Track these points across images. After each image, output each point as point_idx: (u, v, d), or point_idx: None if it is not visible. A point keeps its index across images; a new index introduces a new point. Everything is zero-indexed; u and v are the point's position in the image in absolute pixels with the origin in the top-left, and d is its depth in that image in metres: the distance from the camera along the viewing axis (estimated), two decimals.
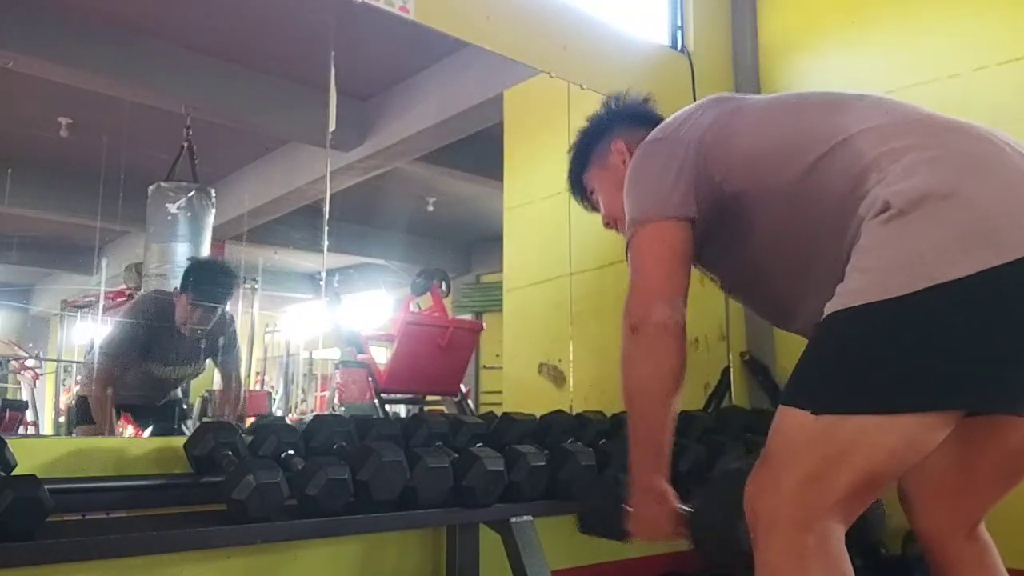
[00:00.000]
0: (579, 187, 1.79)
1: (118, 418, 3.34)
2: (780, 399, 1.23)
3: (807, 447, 1.16)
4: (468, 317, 8.49)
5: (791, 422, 1.19)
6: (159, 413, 3.32)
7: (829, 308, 1.19)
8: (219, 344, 3.31)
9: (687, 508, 1.44)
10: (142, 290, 4.96)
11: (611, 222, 1.74)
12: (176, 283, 3.28)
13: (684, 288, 1.40)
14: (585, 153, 1.75)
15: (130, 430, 3.47)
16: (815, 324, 1.23)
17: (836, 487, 1.14)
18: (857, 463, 1.13)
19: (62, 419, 6.67)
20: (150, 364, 3.12)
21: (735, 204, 1.39)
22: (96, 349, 3.26)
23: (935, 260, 1.09)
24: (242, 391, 3.65)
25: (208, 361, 3.45)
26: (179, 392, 3.50)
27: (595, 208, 1.78)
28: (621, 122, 1.73)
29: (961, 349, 1.09)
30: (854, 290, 1.16)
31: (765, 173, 1.36)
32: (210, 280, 3.14)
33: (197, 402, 5.14)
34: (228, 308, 3.37)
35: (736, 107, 1.48)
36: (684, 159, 1.41)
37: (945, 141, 1.22)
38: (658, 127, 1.54)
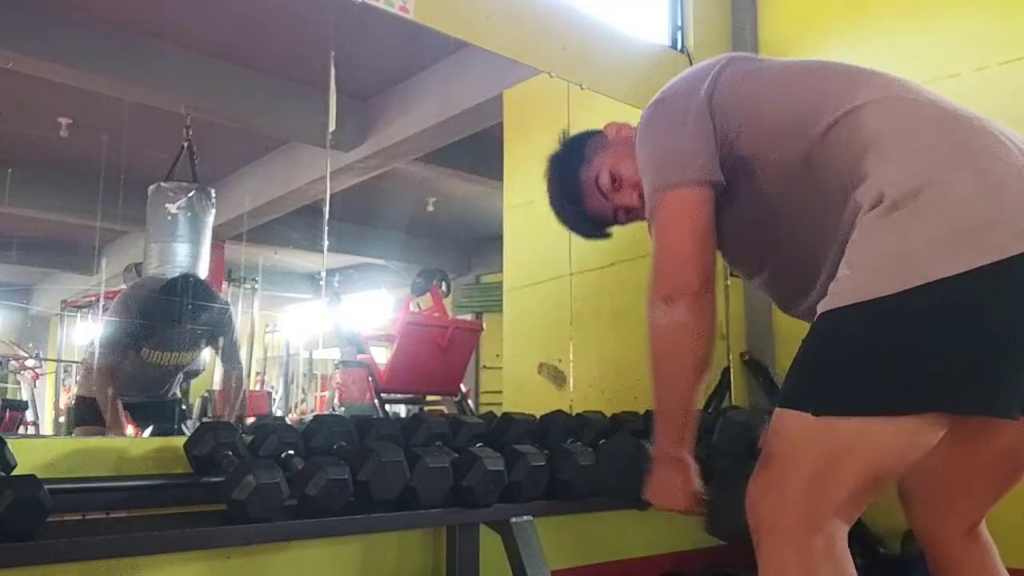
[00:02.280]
0: (585, 220, 1.68)
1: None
2: (778, 401, 1.22)
3: (809, 448, 1.15)
4: (468, 317, 8.49)
5: (791, 423, 1.18)
6: (159, 412, 3.32)
7: (822, 306, 1.18)
8: (222, 339, 3.32)
9: (707, 487, 1.42)
10: None
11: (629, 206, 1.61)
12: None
13: (715, 259, 1.35)
14: (571, 178, 1.65)
15: (130, 430, 3.47)
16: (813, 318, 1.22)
17: (840, 487, 1.14)
18: (860, 462, 1.13)
19: (62, 419, 6.68)
20: (148, 350, 3.12)
21: (747, 169, 1.35)
22: (96, 344, 3.26)
23: (925, 258, 1.08)
24: (243, 389, 3.65)
25: (206, 356, 3.45)
26: (178, 391, 3.50)
27: (617, 222, 1.66)
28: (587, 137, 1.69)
29: (950, 349, 1.09)
30: (846, 288, 1.15)
31: (779, 137, 1.32)
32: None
33: (197, 402, 5.15)
34: (227, 303, 3.37)
35: (755, 67, 1.43)
36: (700, 115, 1.35)
37: (946, 131, 1.20)
38: (667, 85, 1.46)
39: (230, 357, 3.40)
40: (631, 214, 1.62)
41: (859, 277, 1.14)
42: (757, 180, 1.35)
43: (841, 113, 1.27)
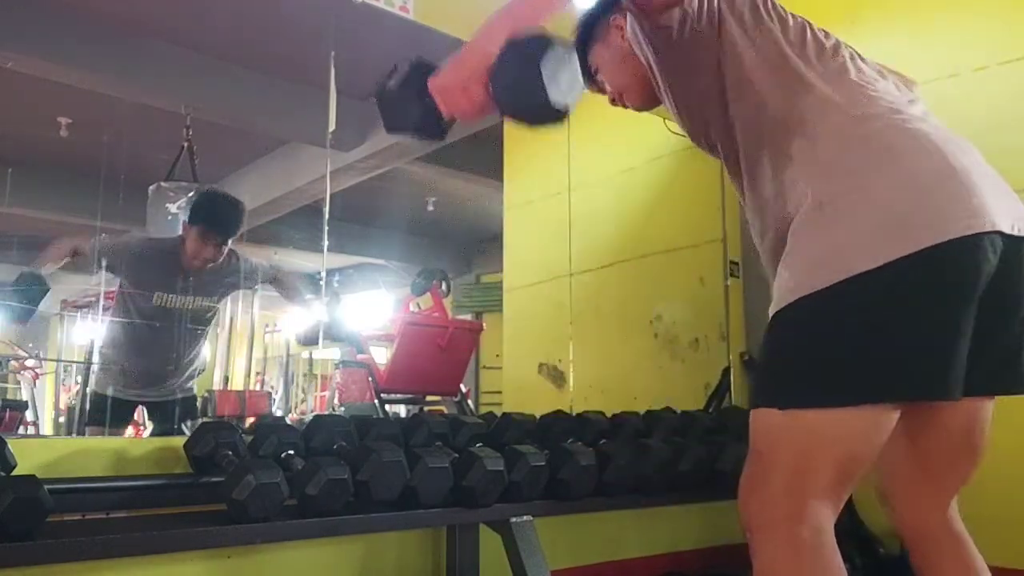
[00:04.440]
0: (584, 69, 1.70)
1: (131, 414, 3.33)
2: (751, 402, 1.28)
3: (783, 442, 1.20)
4: (468, 317, 8.49)
5: (764, 421, 1.23)
6: (174, 410, 3.27)
7: (771, 311, 1.25)
8: (254, 281, 3.26)
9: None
10: None
11: (616, 98, 1.68)
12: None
13: None
14: (587, 31, 1.69)
15: (130, 430, 3.47)
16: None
17: (819, 476, 1.18)
18: (835, 450, 1.18)
19: (62, 419, 6.68)
20: (160, 294, 3.05)
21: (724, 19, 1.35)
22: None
23: (852, 252, 1.14)
24: (296, 283, 3.54)
25: (209, 354, 3.39)
26: (193, 388, 3.43)
27: (601, 91, 1.71)
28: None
29: (882, 339, 1.14)
30: (788, 289, 1.21)
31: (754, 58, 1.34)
32: (218, 210, 3.05)
33: (197, 402, 5.14)
34: (240, 254, 3.28)
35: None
36: None
37: (871, 131, 1.24)
38: None
39: (276, 280, 3.31)
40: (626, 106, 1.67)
41: (796, 277, 1.21)
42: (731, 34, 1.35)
43: (802, 62, 1.31)
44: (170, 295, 3.08)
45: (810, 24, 1.40)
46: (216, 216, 3.02)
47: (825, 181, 1.21)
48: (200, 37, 5.05)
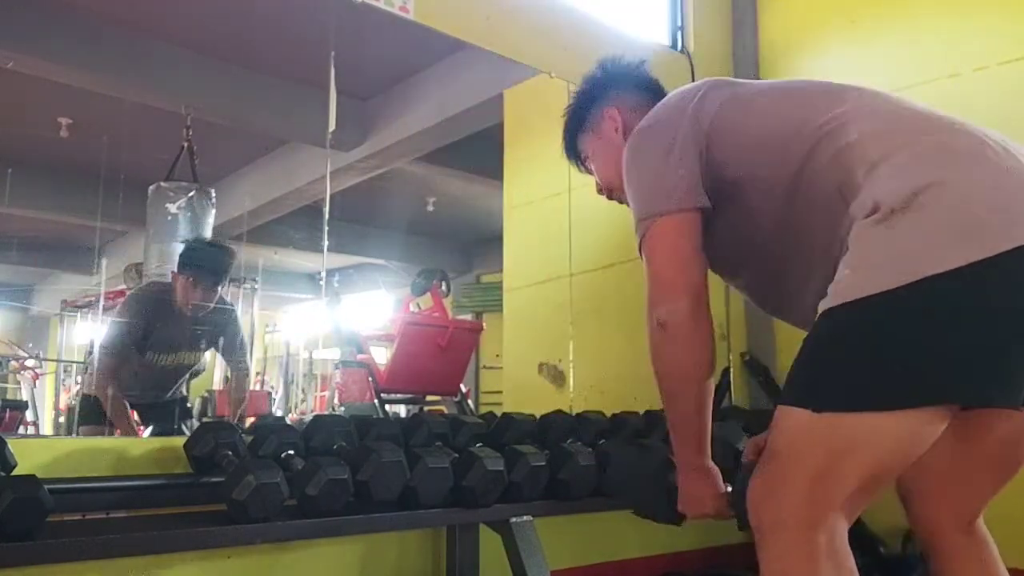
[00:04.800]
0: (573, 151, 1.76)
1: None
2: (780, 398, 1.23)
3: (812, 445, 1.16)
4: (468, 317, 8.49)
5: (794, 421, 1.19)
6: (163, 412, 3.31)
7: (823, 305, 1.20)
8: (222, 338, 3.33)
9: (730, 486, 1.45)
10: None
11: (605, 190, 1.70)
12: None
13: (704, 278, 1.39)
14: (579, 117, 1.72)
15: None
16: (812, 320, 1.24)
17: (844, 484, 1.15)
18: (863, 459, 1.14)
19: (62, 419, 6.67)
20: (152, 352, 3.12)
21: (735, 190, 1.38)
22: (98, 347, 3.26)
23: (921, 255, 1.11)
24: (248, 383, 3.63)
25: (209, 355, 3.43)
26: (183, 390, 3.49)
27: (590, 173, 1.75)
28: (615, 86, 1.70)
29: (947, 342, 1.11)
30: (846, 286, 1.17)
31: (765, 159, 1.36)
32: (209, 258, 3.14)
33: (197, 402, 5.14)
34: (230, 303, 3.37)
35: (735, 92, 1.46)
36: (684, 144, 1.39)
37: (933, 139, 1.23)
38: (651, 113, 1.51)
39: (234, 348, 3.40)
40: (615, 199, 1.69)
41: (856, 276, 1.17)
42: (744, 199, 1.39)
43: (830, 129, 1.30)
44: (162, 355, 3.18)
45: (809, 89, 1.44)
46: (205, 262, 3.11)
47: (889, 188, 1.18)
48: (200, 37, 5.05)
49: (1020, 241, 1.09)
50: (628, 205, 1.50)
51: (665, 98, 1.54)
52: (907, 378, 1.12)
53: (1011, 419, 1.26)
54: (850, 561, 1.15)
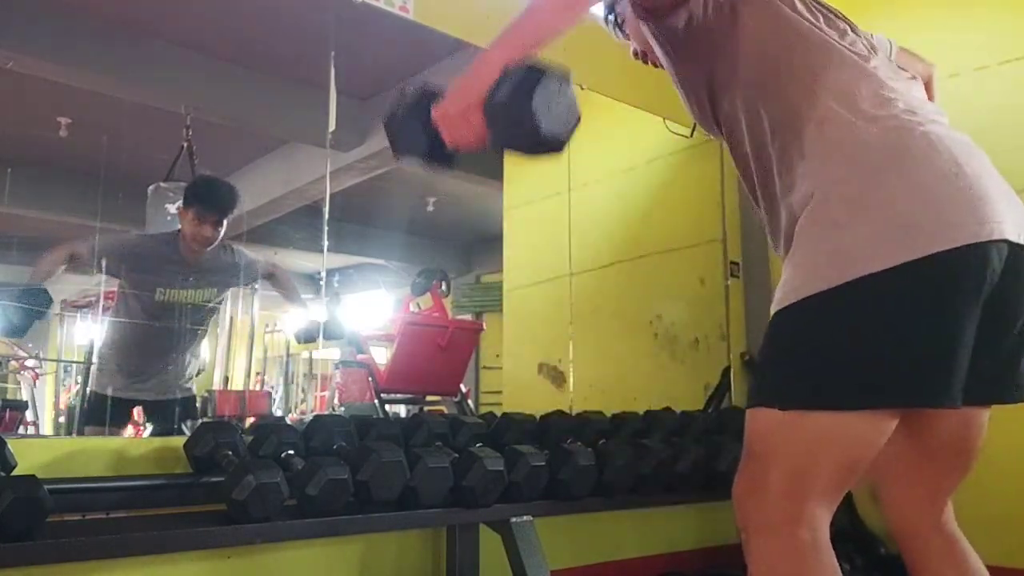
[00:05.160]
0: (611, 13, 1.71)
1: (129, 414, 3.33)
2: (748, 402, 1.26)
3: (783, 443, 1.19)
4: (468, 317, 8.49)
5: (764, 422, 1.22)
6: (173, 410, 3.29)
7: (773, 308, 1.23)
8: (253, 275, 3.32)
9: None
10: None
11: (640, 55, 1.66)
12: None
13: None
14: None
15: (130, 430, 3.46)
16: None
17: (818, 478, 1.17)
18: (834, 452, 1.17)
19: (62, 419, 6.67)
20: (164, 289, 3.08)
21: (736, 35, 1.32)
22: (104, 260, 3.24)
23: (859, 254, 1.13)
24: (292, 281, 3.60)
25: (209, 355, 3.40)
26: (192, 388, 3.45)
27: (626, 38, 1.68)
28: None
29: (881, 345, 1.13)
30: (792, 288, 1.20)
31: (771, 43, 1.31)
32: (213, 191, 3.11)
33: (197, 402, 5.14)
34: (237, 250, 3.32)
35: None
36: None
37: (881, 133, 1.22)
38: None
39: (261, 271, 3.36)
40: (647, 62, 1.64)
41: (799, 276, 1.19)
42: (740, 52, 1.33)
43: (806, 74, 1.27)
44: (172, 289, 3.11)
45: (830, 12, 1.36)
46: (210, 195, 3.07)
47: (834, 181, 1.20)
48: (200, 37, 5.05)
49: (958, 242, 1.10)
50: (662, 66, 1.47)
51: None
52: (852, 380, 1.14)
53: (954, 416, 1.26)
54: (832, 557, 1.17)
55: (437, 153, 1.31)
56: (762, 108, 1.31)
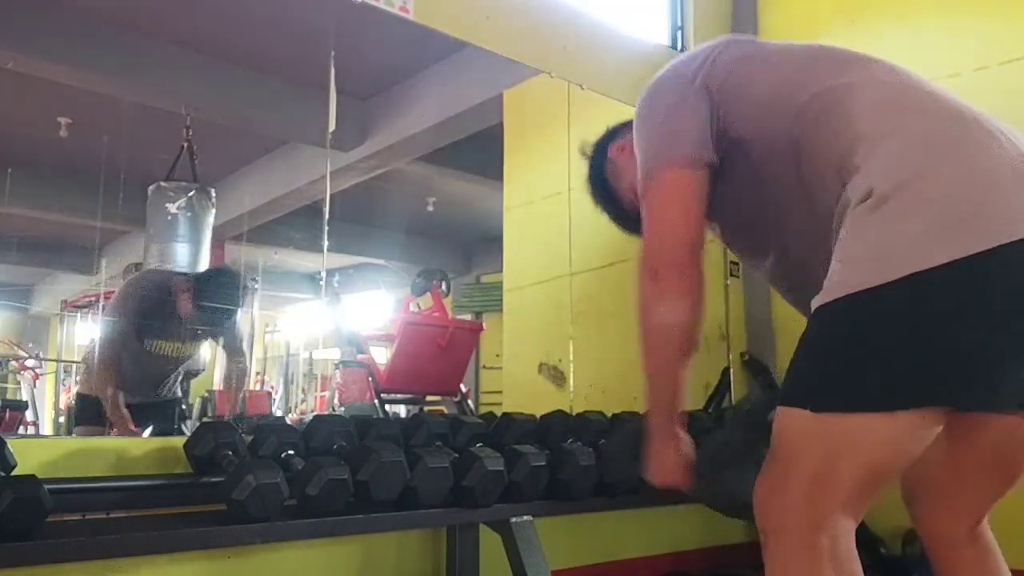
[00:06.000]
0: (624, 216, 1.69)
1: None
2: (779, 399, 1.22)
3: (809, 446, 1.16)
4: (468, 317, 8.49)
5: (792, 422, 1.18)
6: (160, 413, 3.31)
7: (814, 303, 1.19)
8: (222, 337, 3.34)
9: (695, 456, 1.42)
10: None
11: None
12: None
13: (703, 235, 1.37)
14: (604, 189, 1.69)
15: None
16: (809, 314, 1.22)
17: (842, 484, 1.14)
18: (860, 458, 1.13)
19: (62, 419, 6.68)
20: (149, 339, 3.12)
21: (741, 150, 1.35)
22: (96, 340, 3.26)
23: (908, 250, 1.09)
24: (245, 386, 3.64)
25: (209, 354, 3.43)
26: (179, 390, 3.49)
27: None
28: (608, 138, 1.69)
29: (935, 342, 1.09)
30: (837, 283, 1.16)
31: (765, 114, 1.33)
32: (222, 290, 3.16)
33: (197, 402, 5.15)
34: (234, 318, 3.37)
35: (753, 51, 1.43)
36: (699, 98, 1.35)
37: (934, 124, 1.20)
38: (669, 65, 1.46)
39: (233, 349, 3.40)
40: None
41: (846, 271, 1.15)
42: (752, 163, 1.35)
43: (822, 89, 1.27)
44: (160, 341, 3.18)
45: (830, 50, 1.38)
46: (215, 298, 3.13)
47: (886, 175, 1.15)
48: (200, 37, 5.05)
49: (1009, 237, 1.06)
50: None
51: (687, 52, 1.51)
52: (895, 379, 1.10)
53: (1005, 422, 1.22)
54: (855, 565, 1.14)
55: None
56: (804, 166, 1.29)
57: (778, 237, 1.41)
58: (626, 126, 1.64)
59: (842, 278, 1.15)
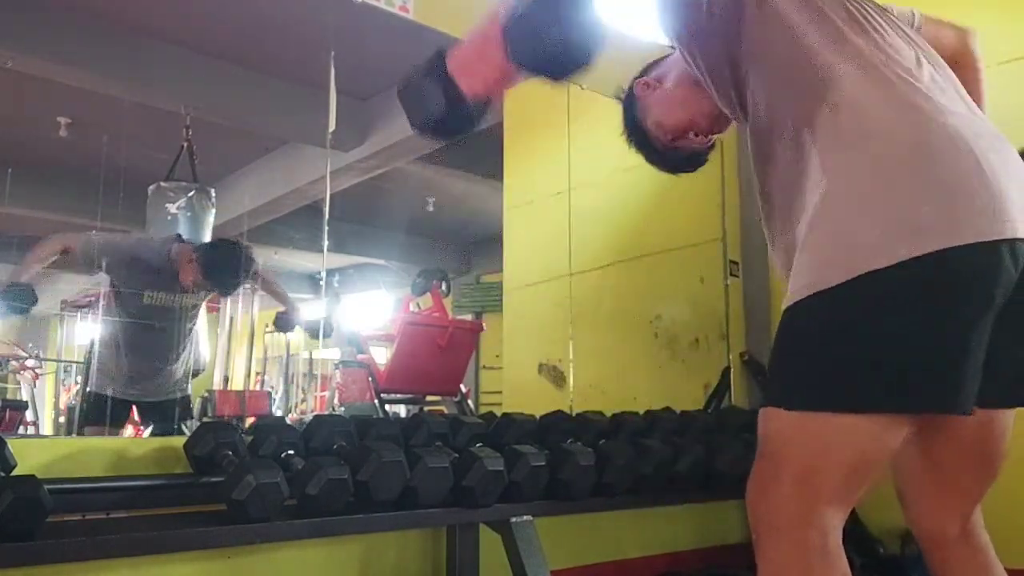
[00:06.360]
0: (654, 150, 1.70)
1: (128, 414, 3.35)
2: (763, 399, 1.25)
3: (792, 445, 1.17)
4: (468, 317, 8.49)
5: (774, 422, 1.20)
6: (166, 411, 3.30)
7: (784, 304, 1.21)
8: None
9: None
10: None
11: (699, 134, 1.61)
12: None
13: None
14: (634, 122, 1.68)
15: (130, 430, 3.47)
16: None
17: (828, 480, 1.15)
18: (843, 454, 1.15)
19: (62, 419, 6.67)
20: (150, 292, 3.13)
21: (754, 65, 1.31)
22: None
23: (867, 249, 1.10)
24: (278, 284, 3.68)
25: (209, 355, 3.42)
26: (189, 386, 3.47)
27: (690, 144, 1.66)
28: (639, 76, 1.70)
29: (892, 345, 1.10)
30: (801, 284, 1.17)
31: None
32: (226, 269, 3.14)
33: (197, 402, 5.15)
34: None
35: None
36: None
37: (906, 120, 1.17)
38: None
39: (267, 281, 3.44)
40: (697, 134, 1.63)
41: (809, 272, 1.16)
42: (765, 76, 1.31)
43: (821, 77, 1.23)
44: (160, 293, 3.15)
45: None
46: (219, 275, 3.13)
47: (847, 173, 1.16)
48: (200, 37, 5.05)
49: (966, 240, 1.06)
50: (714, 129, 1.49)
51: None
52: (856, 383, 1.12)
53: (970, 420, 1.21)
54: (843, 562, 1.15)
55: (457, 112, 1.19)
56: (778, 91, 1.28)
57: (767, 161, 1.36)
58: (653, 64, 1.65)
59: (806, 279, 1.17)
